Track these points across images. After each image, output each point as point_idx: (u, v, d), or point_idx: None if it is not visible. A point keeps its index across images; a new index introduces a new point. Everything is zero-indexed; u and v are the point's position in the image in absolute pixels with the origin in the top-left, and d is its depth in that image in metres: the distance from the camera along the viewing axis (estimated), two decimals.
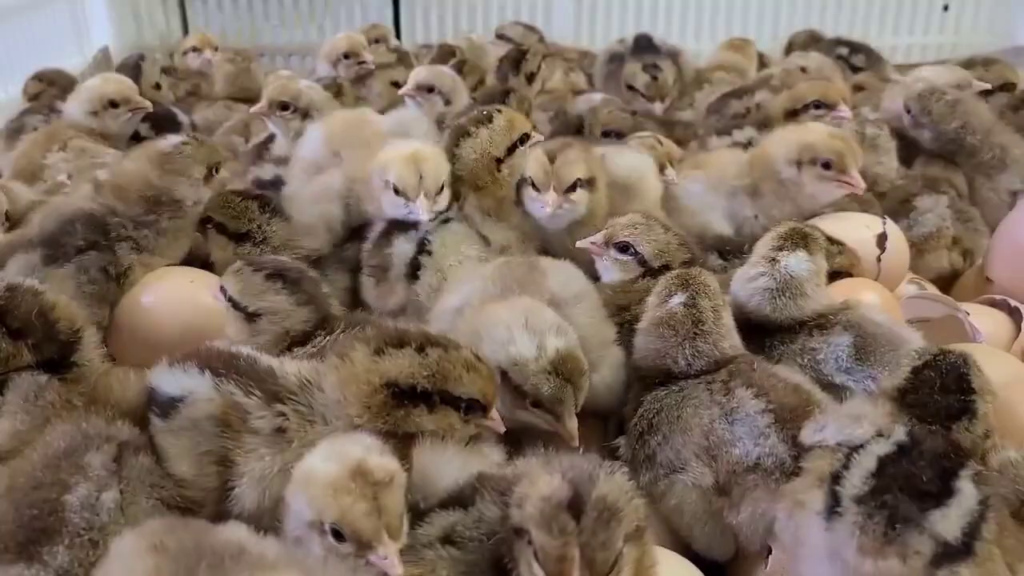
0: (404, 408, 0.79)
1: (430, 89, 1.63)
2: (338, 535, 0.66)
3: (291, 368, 0.84)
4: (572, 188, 1.20)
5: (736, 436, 0.84)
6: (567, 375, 0.88)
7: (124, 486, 0.77)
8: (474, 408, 0.82)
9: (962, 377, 0.80)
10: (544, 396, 0.87)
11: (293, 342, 0.99)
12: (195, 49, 2.28)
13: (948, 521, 0.67)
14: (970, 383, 0.80)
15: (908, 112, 1.61)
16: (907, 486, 0.69)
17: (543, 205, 1.19)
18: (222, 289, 1.02)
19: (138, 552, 0.61)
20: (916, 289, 1.31)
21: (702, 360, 0.91)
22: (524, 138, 1.26)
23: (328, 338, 0.98)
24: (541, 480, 0.65)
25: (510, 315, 0.91)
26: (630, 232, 1.12)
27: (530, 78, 1.81)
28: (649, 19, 2.78)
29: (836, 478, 0.72)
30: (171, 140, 1.23)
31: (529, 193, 1.23)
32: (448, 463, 0.78)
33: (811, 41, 2.32)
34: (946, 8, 2.74)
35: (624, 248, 1.11)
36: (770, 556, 0.81)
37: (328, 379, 0.82)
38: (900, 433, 0.74)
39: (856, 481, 0.71)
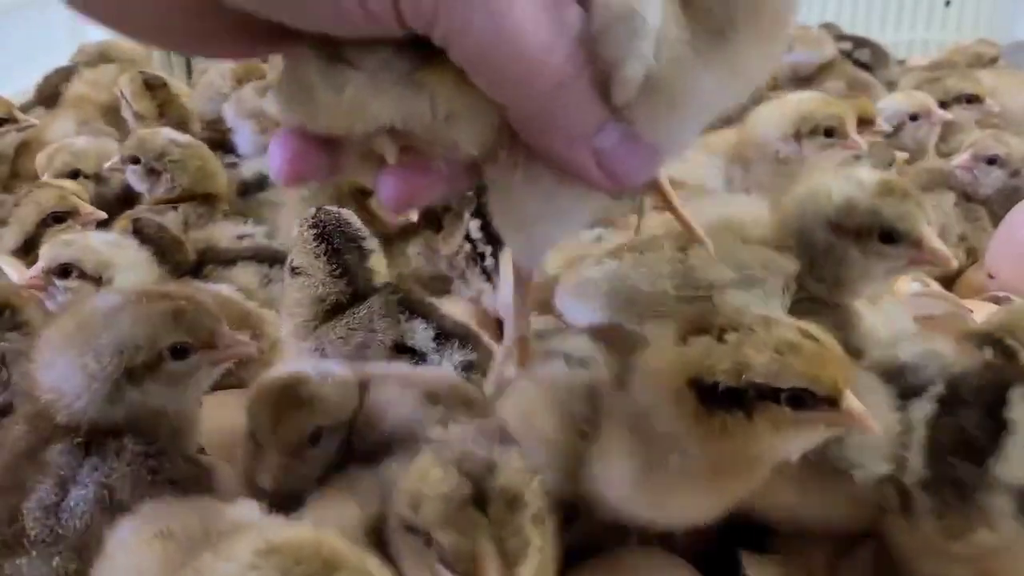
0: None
1: None
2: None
3: None
4: None
5: None
6: None
7: (105, 478, 0.65)
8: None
9: None
10: None
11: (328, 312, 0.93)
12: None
13: (1009, 463, 0.61)
14: None
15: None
16: (959, 446, 0.63)
17: None
18: None
19: (144, 539, 0.58)
20: (919, 286, 1.30)
21: None
22: None
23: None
24: (434, 476, 0.58)
25: None
26: None
27: None
28: None
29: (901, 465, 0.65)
30: None
31: None
32: None
33: None
34: (948, 3, 2.73)
35: None
36: None
37: None
38: (939, 386, 0.67)
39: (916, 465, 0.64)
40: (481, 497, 0.56)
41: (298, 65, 0.54)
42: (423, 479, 0.58)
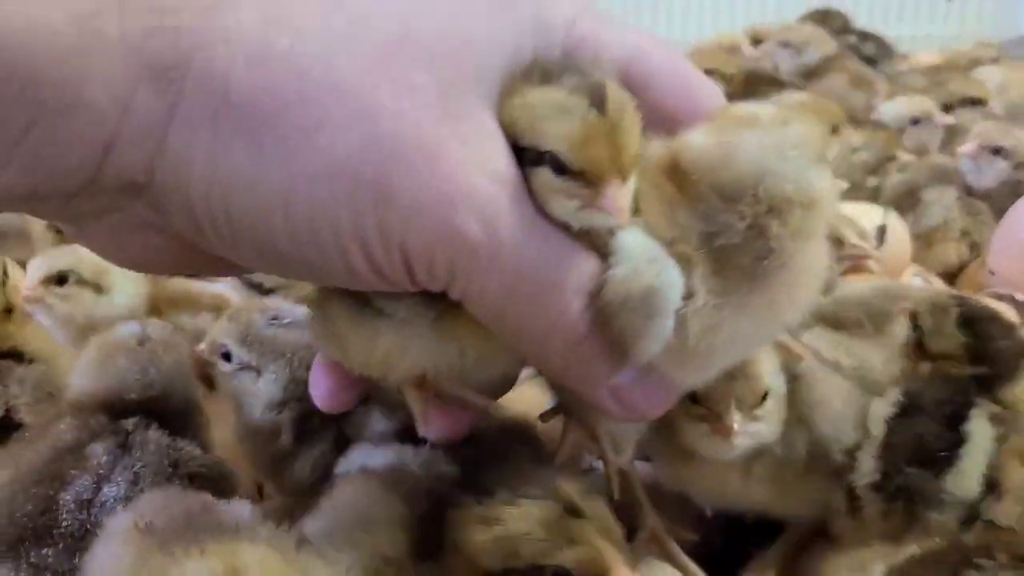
0: None
1: None
2: None
3: None
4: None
5: None
6: None
7: (131, 471, 0.67)
8: None
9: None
10: None
11: None
12: None
13: (962, 477, 0.62)
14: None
15: None
16: (915, 453, 0.63)
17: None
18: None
19: (124, 530, 0.57)
20: (921, 282, 1.30)
21: None
22: None
23: None
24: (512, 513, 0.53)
25: None
26: None
27: None
28: (650, 8, 2.76)
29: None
30: None
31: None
32: None
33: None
34: None
35: None
36: None
37: None
38: (895, 392, 0.67)
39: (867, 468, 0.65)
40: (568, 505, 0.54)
41: (328, 305, 0.53)
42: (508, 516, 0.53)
